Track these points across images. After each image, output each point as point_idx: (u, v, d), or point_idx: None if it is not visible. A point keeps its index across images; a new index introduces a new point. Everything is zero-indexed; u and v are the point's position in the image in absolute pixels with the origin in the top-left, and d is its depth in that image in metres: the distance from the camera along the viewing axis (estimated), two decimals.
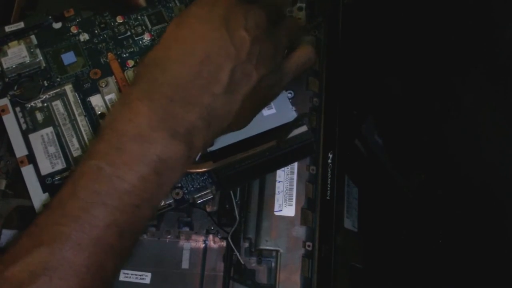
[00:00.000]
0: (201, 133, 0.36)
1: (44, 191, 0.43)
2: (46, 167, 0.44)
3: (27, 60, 0.47)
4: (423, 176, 0.57)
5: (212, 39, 0.36)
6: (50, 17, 0.49)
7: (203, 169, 0.42)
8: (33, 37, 0.48)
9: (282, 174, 0.47)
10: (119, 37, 0.49)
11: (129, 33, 0.49)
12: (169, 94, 0.35)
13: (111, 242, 0.33)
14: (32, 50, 0.48)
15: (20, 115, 0.45)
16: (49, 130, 0.45)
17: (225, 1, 0.38)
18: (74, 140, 0.45)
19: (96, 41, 0.48)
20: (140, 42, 0.48)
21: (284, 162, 0.46)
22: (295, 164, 0.47)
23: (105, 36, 0.49)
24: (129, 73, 0.47)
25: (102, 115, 0.45)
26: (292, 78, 0.42)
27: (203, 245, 0.47)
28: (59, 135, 0.45)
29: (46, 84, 0.47)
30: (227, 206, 0.47)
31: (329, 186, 0.48)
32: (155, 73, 0.36)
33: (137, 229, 0.34)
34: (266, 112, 0.45)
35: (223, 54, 0.36)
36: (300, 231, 0.46)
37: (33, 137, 0.45)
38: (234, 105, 0.37)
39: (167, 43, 0.37)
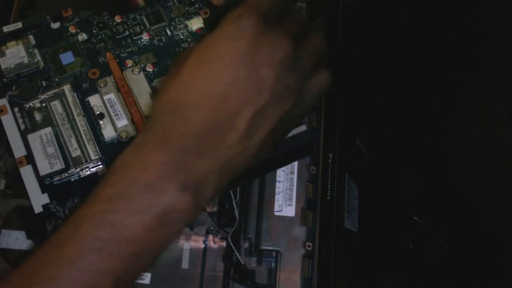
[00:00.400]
0: (212, 185, 0.34)
1: (43, 192, 0.43)
2: (44, 168, 0.44)
3: (26, 60, 0.47)
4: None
5: (232, 81, 0.34)
6: (48, 17, 0.49)
7: None
8: (31, 37, 0.48)
9: (282, 174, 0.47)
10: (117, 37, 0.48)
11: (127, 33, 0.49)
12: (184, 146, 0.33)
13: None
14: (30, 50, 0.48)
15: (18, 115, 0.45)
16: (48, 130, 0.45)
17: (250, 31, 0.34)
18: (73, 140, 0.45)
19: (95, 41, 0.48)
20: (139, 42, 0.48)
21: (284, 161, 0.46)
22: (295, 164, 0.47)
23: (103, 36, 0.49)
24: (128, 73, 0.47)
25: (101, 115, 0.45)
26: (311, 107, 0.40)
27: (203, 245, 0.47)
28: (57, 136, 0.45)
29: (44, 84, 0.47)
30: (227, 206, 0.47)
31: (329, 186, 0.48)
32: (172, 121, 0.34)
33: (134, 277, 0.33)
34: None
35: (243, 98, 0.34)
36: (300, 231, 0.45)
37: (31, 138, 0.45)
38: (249, 151, 0.35)
39: (186, 83, 0.35)
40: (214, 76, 0.34)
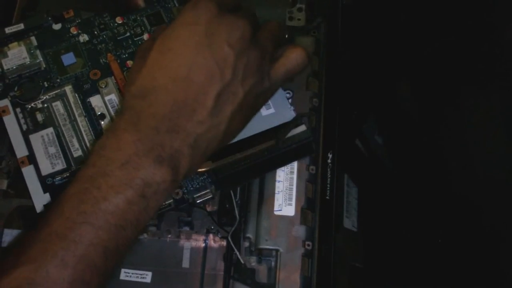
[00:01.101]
0: (187, 158, 0.36)
1: (44, 192, 0.43)
2: (46, 168, 0.44)
3: (27, 61, 0.48)
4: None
5: (195, 62, 0.36)
6: (49, 18, 0.49)
7: (203, 169, 0.42)
8: (33, 38, 0.49)
9: (282, 174, 0.47)
10: (118, 38, 0.49)
11: (128, 34, 0.49)
12: (155, 125, 0.35)
13: (95, 260, 0.33)
14: (32, 51, 0.48)
15: (20, 116, 0.46)
16: (50, 130, 0.45)
17: (206, 16, 0.37)
18: (74, 140, 0.45)
19: (96, 42, 0.49)
20: (140, 43, 0.49)
21: (283, 161, 0.46)
22: (295, 164, 0.47)
23: (104, 37, 0.49)
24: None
25: (102, 115, 0.46)
26: (283, 84, 0.42)
27: (203, 245, 0.47)
28: (59, 136, 0.45)
29: (46, 85, 0.47)
30: (227, 205, 0.47)
31: (328, 185, 0.48)
32: (142, 104, 0.36)
33: (121, 249, 0.35)
34: (264, 112, 0.45)
35: (207, 77, 0.36)
36: (299, 231, 0.46)
37: (33, 138, 0.45)
38: (220, 126, 0.37)
39: (152, 71, 0.37)
40: (178, 61, 0.37)
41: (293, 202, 0.46)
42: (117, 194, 0.34)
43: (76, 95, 0.47)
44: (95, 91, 0.47)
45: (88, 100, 0.46)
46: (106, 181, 0.34)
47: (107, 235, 0.34)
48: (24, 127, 0.45)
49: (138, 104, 0.36)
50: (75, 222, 0.33)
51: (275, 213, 0.46)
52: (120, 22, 0.49)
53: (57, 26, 0.49)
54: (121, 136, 0.35)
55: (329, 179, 0.48)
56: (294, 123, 0.44)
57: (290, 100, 0.48)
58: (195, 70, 0.36)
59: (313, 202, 0.47)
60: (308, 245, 0.45)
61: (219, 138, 0.38)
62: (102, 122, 0.45)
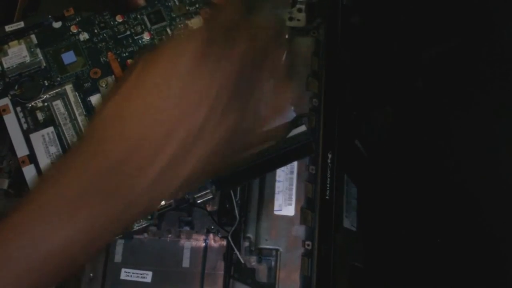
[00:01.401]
0: (141, 200, 0.34)
1: None
2: (47, 167, 0.44)
3: (28, 59, 0.48)
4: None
5: (167, 101, 0.33)
6: (50, 16, 0.49)
7: None
8: (33, 36, 0.48)
9: (282, 174, 0.47)
10: (118, 37, 0.49)
11: (128, 33, 0.49)
12: (113, 159, 0.33)
13: None
14: (32, 49, 0.48)
15: (21, 114, 0.46)
16: (50, 130, 0.45)
17: (194, 47, 0.33)
18: (75, 140, 0.45)
19: (96, 40, 0.48)
20: (140, 41, 0.48)
21: (283, 161, 0.46)
22: (295, 164, 0.48)
23: (104, 35, 0.49)
24: None
25: None
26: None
27: (204, 244, 0.47)
28: (59, 135, 0.45)
29: (46, 84, 0.47)
30: (227, 205, 0.47)
31: (328, 185, 0.48)
32: (106, 132, 0.34)
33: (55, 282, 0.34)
34: None
35: (181, 114, 0.33)
36: (299, 230, 0.46)
37: (34, 137, 0.45)
38: (184, 171, 0.33)
39: (120, 102, 0.34)
40: (148, 98, 0.33)
41: (293, 202, 0.47)
42: (62, 230, 0.32)
43: (77, 94, 0.46)
44: (96, 90, 0.47)
45: (88, 99, 0.46)
46: (53, 214, 0.32)
47: (47, 275, 0.32)
48: (25, 126, 0.45)
49: (102, 132, 0.34)
50: (16, 258, 0.32)
51: (275, 213, 0.46)
52: (120, 21, 0.49)
53: (57, 25, 0.49)
54: (77, 165, 0.33)
55: (328, 179, 0.49)
56: (294, 123, 0.44)
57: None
58: (169, 105, 0.33)
59: (313, 202, 0.47)
60: (308, 244, 0.45)
61: (178, 182, 0.34)
62: None
